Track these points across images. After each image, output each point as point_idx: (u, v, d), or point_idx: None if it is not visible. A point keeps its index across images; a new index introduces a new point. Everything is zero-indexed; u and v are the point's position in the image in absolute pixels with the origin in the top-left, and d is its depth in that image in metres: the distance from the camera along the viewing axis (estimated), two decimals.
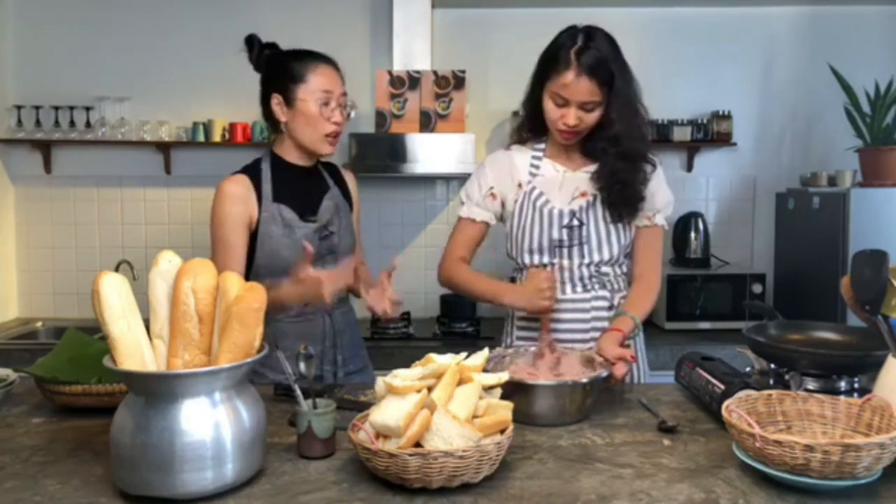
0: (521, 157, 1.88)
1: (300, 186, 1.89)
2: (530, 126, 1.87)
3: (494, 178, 1.87)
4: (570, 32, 1.70)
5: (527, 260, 1.83)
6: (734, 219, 3.53)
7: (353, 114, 1.91)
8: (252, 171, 1.86)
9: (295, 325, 1.88)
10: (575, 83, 1.66)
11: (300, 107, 1.82)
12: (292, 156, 1.90)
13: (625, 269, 1.87)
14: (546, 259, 1.81)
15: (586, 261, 1.80)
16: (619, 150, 1.73)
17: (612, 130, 1.72)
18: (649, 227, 1.84)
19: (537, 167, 1.85)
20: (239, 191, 1.81)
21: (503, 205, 1.88)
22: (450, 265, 1.88)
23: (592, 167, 1.81)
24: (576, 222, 1.79)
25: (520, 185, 1.85)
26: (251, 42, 1.90)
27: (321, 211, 1.89)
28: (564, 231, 1.79)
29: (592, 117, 1.72)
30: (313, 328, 1.89)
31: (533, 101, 1.81)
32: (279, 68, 1.85)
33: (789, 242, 3.26)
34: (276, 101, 1.84)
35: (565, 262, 1.80)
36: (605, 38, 1.69)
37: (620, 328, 1.69)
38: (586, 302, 1.81)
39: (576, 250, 1.80)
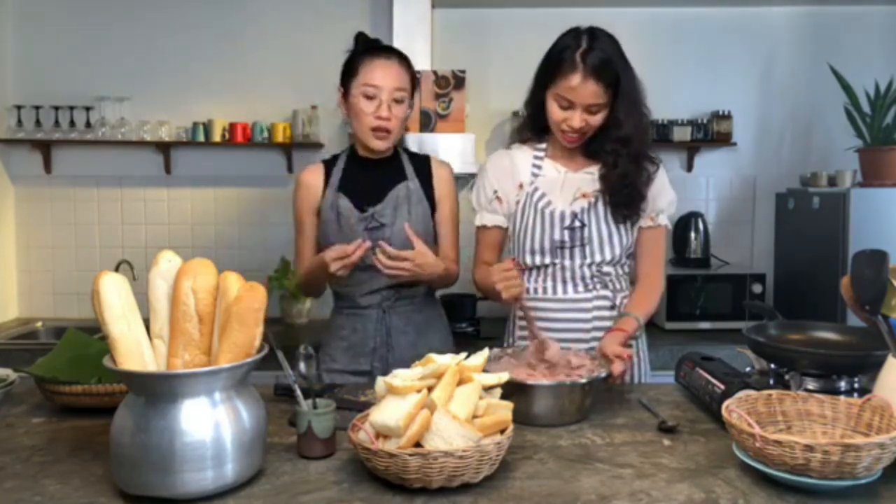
0: (523, 157, 1.87)
1: (368, 177, 1.92)
2: (532, 127, 1.86)
3: (497, 181, 1.87)
4: (574, 34, 1.70)
5: (528, 261, 1.83)
6: (734, 219, 3.53)
7: (409, 112, 1.91)
8: (331, 161, 1.97)
9: (349, 318, 1.93)
10: (581, 86, 1.66)
11: (350, 101, 1.86)
12: (360, 149, 1.94)
13: (627, 269, 1.87)
14: (548, 260, 1.81)
15: (588, 261, 1.80)
16: (629, 151, 1.73)
17: (622, 131, 1.72)
18: (652, 227, 1.84)
19: (539, 167, 1.85)
20: (307, 179, 1.94)
21: (508, 205, 1.88)
22: (478, 272, 1.89)
23: (594, 168, 1.81)
24: (577, 223, 1.78)
25: (521, 186, 1.85)
26: (357, 38, 1.92)
27: (383, 202, 1.89)
28: (566, 232, 1.78)
29: (597, 119, 1.72)
30: (366, 323, 1.91)
31: (535, 103, 1.80)
32: (346, 63, 1.89)
33: (789, 242, 3.26)
34: (339, 94, 1.91)
35: (567, 263, 1.80)
36: (608, 39, 1.69)
37: (624, 328, 1.69)
38: (588, 302, 1.80)
39: (577, 251, 1.79)
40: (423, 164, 1.98)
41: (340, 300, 1.98)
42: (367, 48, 1.87)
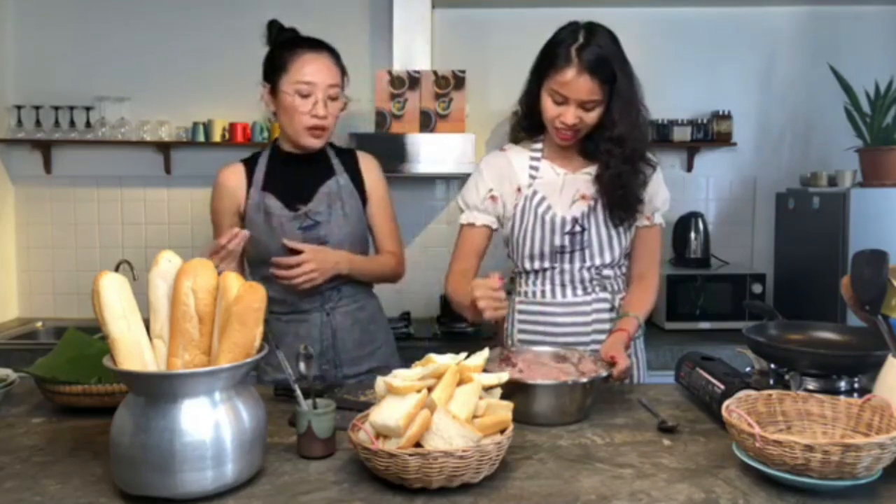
0: (519, 158, 1.84)
1: (295, 175, 1.87)
2: (527, 124, 1.83)
3: (493, 181, 1.83)
4: (572, 28, 1.67)
5: (527, 265, 1.82)
6: (734, 219, 3.53)
7: (343, 107, 1.86)
8: (251, 160, 1.90)
9: (290, 325, 1.88)
10: (575, 81, 1.63)
11: (281, 98, 1.80)
12: (287, 145, 1.89)
13: (624, 269, 1.86)
14: (547, 264, 1.79)
15: (587, 264, 1.79)
16: (623, 151, 1.70)
17: (616, 131, 1.69)
18: (648, 226, 1.84)
19: (536, 169, 1.82)
20: (227, 181, 1.87)
21: (504, 207, 1.85)
22: (450, 280, 1.82)
23: (591, 168, 1.80)
24: (578, 228, 1.77)
25: (519, 189, 1.82)
26: (270, 27, 1.88)
27: (314, 200, 1.85)
28: (567, 237, 1.77)
29: (592, 117, 1.69)
30: (310, 328, 1.88)
31: (530, 98, 1.77)
32: (270, 56, 1.84)
33: (789, 242, 3.26)
34: (265, 90, 1.84)
35: (566, 266, 1.79)
36: (607, 35, 1.67)
37: (625, 328, 1.69)
38: (587, 304, 1.80)
39: (577, 255, 1.78)
40: (349, 159, 1.95)
41: (277, 306, 1.86)
42: (294, 41, 1.83)
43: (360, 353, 1.93)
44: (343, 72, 1.86)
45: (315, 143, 1.83)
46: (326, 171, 1.90)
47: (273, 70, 1.81)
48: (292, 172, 1.87)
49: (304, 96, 1.77)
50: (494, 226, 1.86)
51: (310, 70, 1.77)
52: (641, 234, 1.84)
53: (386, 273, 1.97)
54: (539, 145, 1.85)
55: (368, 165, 1.97)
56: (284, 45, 1.82)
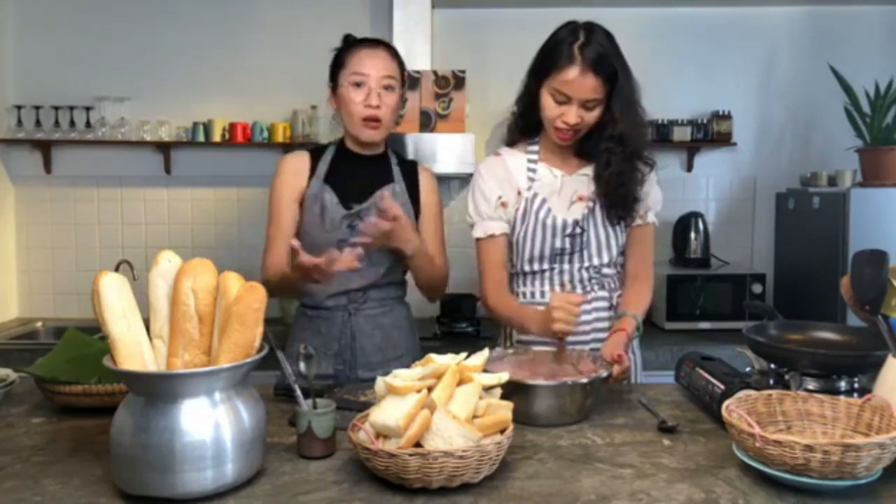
0: (516, 161, 1.83)
1: (356, 173, 1.88)
2: (524, 124, 1.83)
3: (499, 188, 1.81)
4: (571, 28, 1.67)
5: (526, 268, 1.82)
6: (734, 219, 3.53)
7: (401, 103, 1.87)
8: (317, 150, 1.93)
9: (314, 321, 1.90)
10: (579, 80, 1.63)
11: (339, 92, 1.84)
12: (351, 143, 1.91)
13: (619, 267, 1.87)
14: (546, 265, 1.80)
15: (586, 264, 1.79)
16: (624, 150, 1.70)
17: (617, 129, 1.69)
18: (642, 225, 1.84)
19: (534, 171, 1.82)
20: (293, 165, 1.89)
21: (510, 211, 1.83)
22: (490, 295, 1.81)
23: (588, 169, 1.80)
24: (578, 230, 1.77)
25: (519, 192, 1.81)
26: (346, 40, 1.90)
27: (368, 201, 1.85)
28: (567, 240, 1.77)
29: (593, 116, 1.69)
30: (331, 326, 1.88)
31: (528, 98, 1.77)
32: (334, 58, 1.88)
33: (789, 242, 3.26)
34: (329, 90, 1.89)
35: (566, 267, 1.79)
36: (605, 34, 1.67)
37: (624, 328, 1.70)
38: (587, 303, 1.79)
39: (576, 256, 1.79)
40: (410, 169, 1.96)
41: (306, 299, 1.93)
42: (356, 41, 1.87)
43: (380, 359, 1.89)
44: (401, 67, 1.87)
45: (372, 134, 1.83)
46: (386, 175, 1.91)
47: (335, 69, 1.86)
48: (353, 171, 1.89)
49: (358, 86, 1.80)
50: (509, 231, 1.84)
51: (366, 63, 1.81)
52: (635, 232, 1.84)
53: (440, 277, 1.93)
54: (535, 147, 1.84)
55: (427, 180, 1.96)
56: (346, 45, 1.87)
